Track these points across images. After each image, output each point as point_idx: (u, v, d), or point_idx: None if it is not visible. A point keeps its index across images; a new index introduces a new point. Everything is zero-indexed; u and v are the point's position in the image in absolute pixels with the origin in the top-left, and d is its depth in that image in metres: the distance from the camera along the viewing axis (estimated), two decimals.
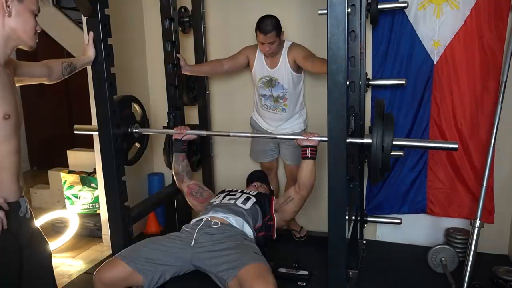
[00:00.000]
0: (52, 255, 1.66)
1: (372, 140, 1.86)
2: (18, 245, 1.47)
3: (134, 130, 2.37)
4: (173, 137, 2.45)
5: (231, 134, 2.32)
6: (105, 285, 1.89)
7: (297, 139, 2.19)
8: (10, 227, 1.40)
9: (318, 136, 2.12)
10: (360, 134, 2.29)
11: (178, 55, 2.71)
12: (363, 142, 1.90)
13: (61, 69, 1.90)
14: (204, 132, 2.69)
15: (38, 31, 1.51)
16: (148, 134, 2.60)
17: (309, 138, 2.12)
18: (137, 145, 2.52)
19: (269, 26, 2.51)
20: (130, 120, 2.38)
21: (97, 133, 2.23)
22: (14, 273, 1.46)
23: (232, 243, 1.96)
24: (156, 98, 3.38)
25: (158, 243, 2.00)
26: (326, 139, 2.00)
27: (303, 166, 2.18)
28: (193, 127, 3.08)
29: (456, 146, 1.83)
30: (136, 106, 2.52)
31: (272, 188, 2.69)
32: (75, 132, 2.51)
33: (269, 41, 2.54)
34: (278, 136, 2.52)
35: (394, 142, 1.85)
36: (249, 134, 2.36)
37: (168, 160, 2.88)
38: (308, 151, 2.14)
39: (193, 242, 1.97)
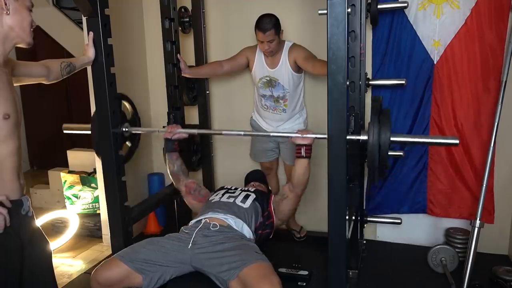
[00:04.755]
0: (53, 255, 1.66)
1: (368, 136, 1.80)
2: (20, 243, 1.47)
3: (124, 129, 2.31)
4: (164, 136, 2.39)
5: (223, 132, 2.27)
6: (102, 285, 1.88)
7: (291, 137, 2.16)
8: (12, 225, 1.41)
9: (313, 134, 2.09)
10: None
11: (178, 57, 2.70)
12: (360, 139, 1.85)
13: (60, 69, 1.90)
14: (195, 131, 2.65)
15: (34, 27, 1.52)
16: (140, 133, 2.56)
17: (304, 135, 2.09)
18: (128, 144, 2.49)
19: (268, 24, 2.51)
20: (120, 119, 2.32)
21: (89, 132, 2.20)
22: (16, 272, 1.46)
23: (232, 243, 1.96)
24: (156, 98, 3.38)
25: (157, 244, 2.00)
26: (321, 136, 2.00)
27: (297, 165, 2.16)
28: (193, 127, 3.09)
29: (457, 141, 1.78)
30: (126, 104, 2.48)
31: (270, 188, 2.68)
32: (64, 131, 2.45)
33: (268, 39, 2.53)
34: (271, 134, 2.50)
35: (392, 139, 1.79)
36: (242, 132, 2.27)
37: None
38: (302, 150, 2.11)
39: (190, 244, 1.96)
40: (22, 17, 1.46)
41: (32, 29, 1.51)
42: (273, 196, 2.38)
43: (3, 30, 1.43)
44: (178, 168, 2.43)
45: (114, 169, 2.20)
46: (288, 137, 2.24)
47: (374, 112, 1.91)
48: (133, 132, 2.42)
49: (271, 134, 2.54)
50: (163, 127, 2.67)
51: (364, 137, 1.83)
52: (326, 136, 1.74)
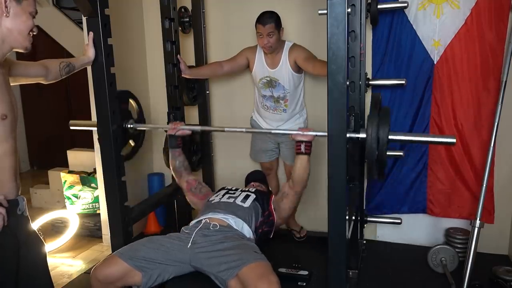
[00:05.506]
0: (52, 255, 1.66)
1: (366, 133, 1.81)
2: (16, 243, 1.47)
3: (129, 126, 2.33)
4: (168, 133, 2.44)
5: (225, 129, 2.31)
6: (101, 282, 1.88)
7: (292, 134, 2.18)
8: (9, 225, 1.41)
9: (313, 131, 2.11)
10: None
11: (178, 57, 2.70)
12: (358, 137, 1.86)
13: (59, 69, 1.90)
14: (198, 127, 2.70)
15: (34, 33, 1.51)
16: (143, 133, 2.58)
17: (304, 133, 2.11)
18: (131, 143, 2.51)
19: (269, 18, 2.51)
20: (126, 116, 2.35)
21: (95, 128, 2.23)
22: (12, 272, 1.45)
23: (231, 243, 1.96)
24: (156, 98, 3.38)
25: (157, 243, 2.00)
26: (321, 133, 2.03)
27: (297, 161, 2.17)
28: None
29: (454, 140, 1.81)
30: (132, 103, 2.50)
31: (270, 189, 2.68)
32: (71, 128, 2.48)
33: (267, 32, 2.52)
34: (272, 131, 2.56)
35: (390, 137, 1.81)
36: (244, 129, 2.34)
37: (168, 159, 2.88)
38: (302, 146, 2.12)
39: (190, 244, 1.96)
40: (22, 22, 1.45)
41: (31, 35, 1.50)
42: (273, 196, 2.38)
43: (1, 32, 1.42)
44: (180, 164, 2.47)
45: (114, 169, 2.20)
46: (289, 134, 2.27)
47: (373, 108, 1.92)
48: (138, 129, 2.45)
49: (273, 131, 2.61)
50: (167, 123, 2.70)
51: (363, 135, 1.84)
52: (326, 134, 1.75)
